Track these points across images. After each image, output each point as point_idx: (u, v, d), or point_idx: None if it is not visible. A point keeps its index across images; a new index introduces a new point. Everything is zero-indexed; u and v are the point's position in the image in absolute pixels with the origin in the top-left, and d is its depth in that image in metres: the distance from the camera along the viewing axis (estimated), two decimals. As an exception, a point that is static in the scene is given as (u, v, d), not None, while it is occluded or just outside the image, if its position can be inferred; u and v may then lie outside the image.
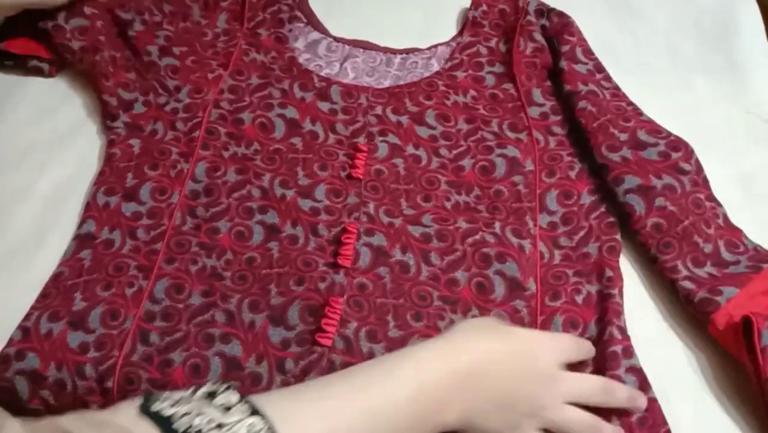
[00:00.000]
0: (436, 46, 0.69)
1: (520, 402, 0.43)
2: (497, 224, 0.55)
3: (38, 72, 0.65)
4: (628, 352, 0.49)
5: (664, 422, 0.46)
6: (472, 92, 0.64)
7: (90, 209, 0.55)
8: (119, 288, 0.50)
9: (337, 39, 0.69)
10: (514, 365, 0.43)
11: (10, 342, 0.47)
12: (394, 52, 0.68)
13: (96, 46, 0.61)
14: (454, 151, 0.59)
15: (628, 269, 0.55)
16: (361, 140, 0.60)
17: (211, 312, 0.49)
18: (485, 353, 0.43)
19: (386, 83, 0.65)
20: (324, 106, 0.62)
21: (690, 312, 0.52)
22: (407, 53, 0.68)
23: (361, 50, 0.68)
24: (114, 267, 0.51)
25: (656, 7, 0.76)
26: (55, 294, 0.50)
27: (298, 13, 0.70)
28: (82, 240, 0.53)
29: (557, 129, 0.61)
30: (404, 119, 0.61)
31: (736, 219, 0.55)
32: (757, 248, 0.53)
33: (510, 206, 0.56)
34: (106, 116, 0.60)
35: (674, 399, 0.48)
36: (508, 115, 0.62)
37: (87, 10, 0.63)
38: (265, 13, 0.69)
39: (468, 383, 0.41)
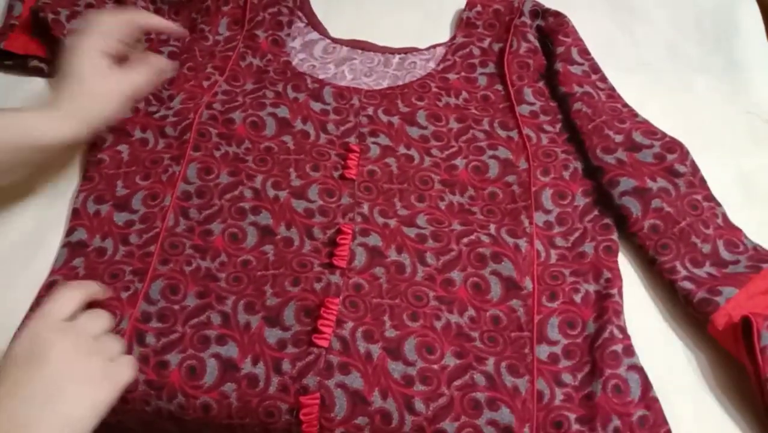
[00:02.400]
0: (435, 46, 0.68)
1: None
2: (492, 226, 0.55)
3: (38, 72, 0.65)
4: (629, 351, 0.49)
5: (665, 422, 0.46)
6: (464, 94, 0.63)
7: (79, 217, 0.54)
8: (115, 293, 0.50)
9: (335, 40, 0.69)
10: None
11: None
12: (393, 52, 0.68)
13: None
14: (446, 152, 0.59)
15: (627, 269, 0.55)
16: (353, 140, 0.59)
17: (207, 314, 0.49)
18: None
19: (385, 83, 0.65)
20: (316, 106, 0.62)
21: (689, 312, 0.52)
22: (406, 53, 0.68)
23: (359, 51, 0.68)
24: (109, 275, 0.51)
25: (656, 7, 0.75)
26: None
27: (299, 13, 0.70)
28: (73, 248, 0.53)
29: (548, 127, 0.61)
30: (395, 119, 0.61)
31: (736, 219, 0.55)
32: (756, 248, 0.53)
33: (505, 208, 0.56)
34: None
35: (674, 399, 0.48)
36: (499, 114, 0.62)
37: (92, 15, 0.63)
38: (265, 12, 0.68)
39: None
